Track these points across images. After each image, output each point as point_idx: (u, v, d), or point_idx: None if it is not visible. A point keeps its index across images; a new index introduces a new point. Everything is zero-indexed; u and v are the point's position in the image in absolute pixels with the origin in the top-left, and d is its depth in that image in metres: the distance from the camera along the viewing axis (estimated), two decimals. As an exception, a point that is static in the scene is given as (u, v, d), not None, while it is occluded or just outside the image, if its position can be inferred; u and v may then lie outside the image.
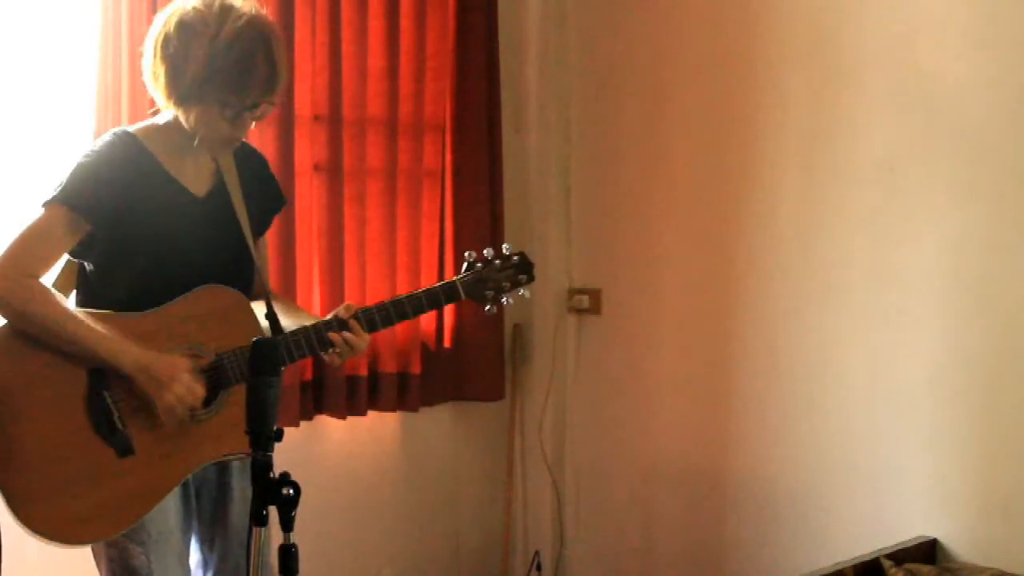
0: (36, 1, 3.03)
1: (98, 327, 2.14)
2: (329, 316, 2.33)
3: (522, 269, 2.50)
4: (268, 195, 2.46)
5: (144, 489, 2.18)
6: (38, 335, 2.13)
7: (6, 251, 2.15)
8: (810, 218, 3.27)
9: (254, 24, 2.18)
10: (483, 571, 3.99)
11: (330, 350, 2.31)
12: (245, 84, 2.17)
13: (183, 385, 2.16)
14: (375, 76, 3.57)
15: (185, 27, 2.17)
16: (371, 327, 2.34)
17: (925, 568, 2.81)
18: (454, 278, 2.44)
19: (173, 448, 2.20)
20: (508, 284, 2.47)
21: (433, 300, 2.41)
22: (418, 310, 2.39)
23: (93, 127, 3.03)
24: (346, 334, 2.29)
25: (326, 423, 3.57)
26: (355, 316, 2.32)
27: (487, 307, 2.46)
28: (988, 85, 2.89)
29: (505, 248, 2.50)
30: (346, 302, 2.51)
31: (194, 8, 2.18)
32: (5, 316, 2.14)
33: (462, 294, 2.42)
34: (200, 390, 2.18)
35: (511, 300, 2.49)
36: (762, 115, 3.39)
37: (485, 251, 2.47)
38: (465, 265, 2.45)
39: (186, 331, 2.22)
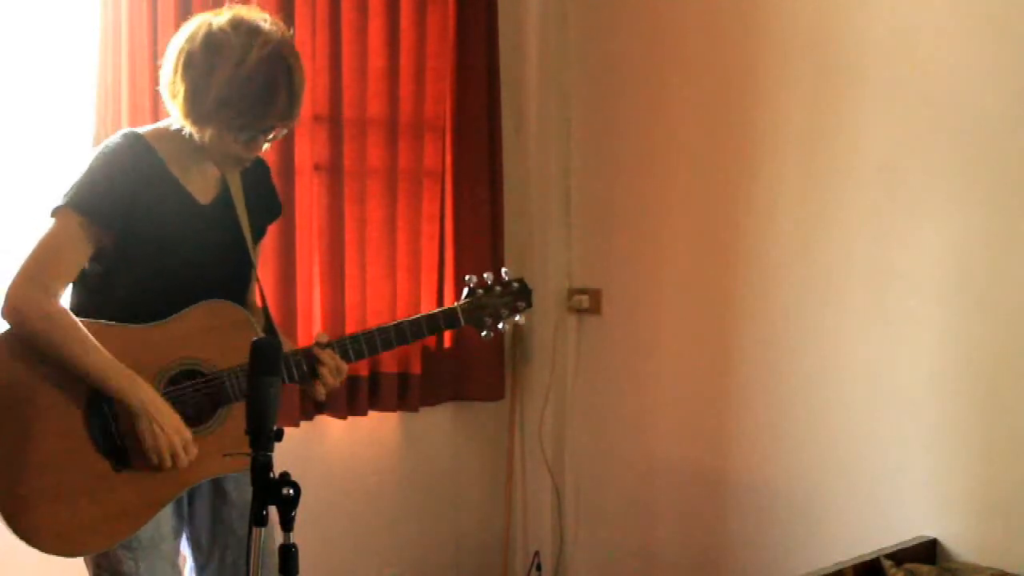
0: (36, 1, 3.03)
1: (111, 358, 2.11)
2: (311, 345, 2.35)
3: (521, 296, 2.53)
4: (268, 205, 2.45)
5: (139, 503, 2.17)
6: (50, 357, 2.10)
7: (24, 266, 2.11)
8: (810, 218, 3.27)
9: (279, 52, 2.15)
10: (483, 571, 3.99)
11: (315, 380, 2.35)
12: (263, 112, 2.16)
13: (181, 437, 2.14)
14: (375, 76, 3.57)
15: (210, 48, 2.13)
16: (371, 352, 2.38)
17: (925, 568, 2.81)
18: (455, 304, 2.47)
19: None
20: (506, 311, 2.51)
21: (433, 326, 2.44)
22: (417, 336, 2.42)
23: (93, 127, 3.03)
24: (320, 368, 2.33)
25: (326, 423, 3.57)
26: (356, 344, 2.35)
27: (484, 333, 2.49)
28: (989, 84, 2.88)
29: (504, 273, 2.52)
30: (320, 331, 2.56)
31: (220, 28, 2.14)
32: (22, 333, 2.11)
33: (462, 321, 2.46)
34: (193, 450, 2.16)
35: (508, 326, 2.51)
36: (762, 115, 3.38)
37: (485, 275, 2.49)
38: (465, 291, 2.48)
39: (186, 347, 2.21)
